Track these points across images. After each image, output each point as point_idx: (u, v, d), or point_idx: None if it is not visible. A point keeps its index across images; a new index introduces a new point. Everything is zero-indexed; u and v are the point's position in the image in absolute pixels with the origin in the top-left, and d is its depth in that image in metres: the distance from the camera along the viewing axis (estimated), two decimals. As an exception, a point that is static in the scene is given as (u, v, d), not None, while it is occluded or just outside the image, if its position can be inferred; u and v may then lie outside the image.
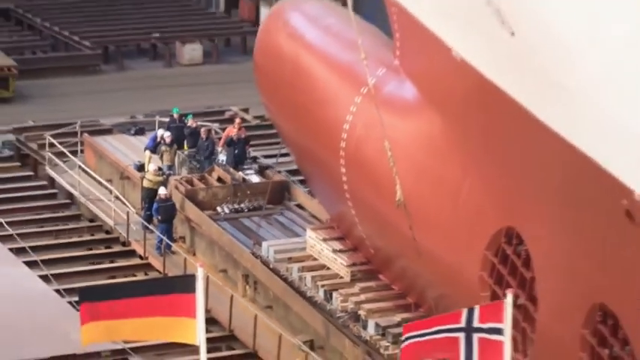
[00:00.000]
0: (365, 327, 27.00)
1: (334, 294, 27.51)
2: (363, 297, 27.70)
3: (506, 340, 19.95)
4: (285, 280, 32.88)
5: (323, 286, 28.58)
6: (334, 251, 28.91)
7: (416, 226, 25.16)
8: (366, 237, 28.22)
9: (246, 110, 43.86)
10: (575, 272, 21.46)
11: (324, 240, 29.44)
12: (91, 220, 37.24)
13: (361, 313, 26.64)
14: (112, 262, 35.08)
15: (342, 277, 28.65)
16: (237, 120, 40.84)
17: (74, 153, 40.37)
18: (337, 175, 27.80)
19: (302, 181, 38.71)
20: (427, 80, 25.72)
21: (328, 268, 28.98)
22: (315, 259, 29.41)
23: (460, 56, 23.28)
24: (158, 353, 28.59)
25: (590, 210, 20.30)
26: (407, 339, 20.98)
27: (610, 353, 20.36)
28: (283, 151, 40.51)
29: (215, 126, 40.18)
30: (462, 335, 20.63)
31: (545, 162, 21.39)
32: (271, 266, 30.84)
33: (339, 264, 28.51)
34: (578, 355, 20.91)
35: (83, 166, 39.60)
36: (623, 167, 18.81)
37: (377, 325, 26.40)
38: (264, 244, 31.23)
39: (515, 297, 21.84)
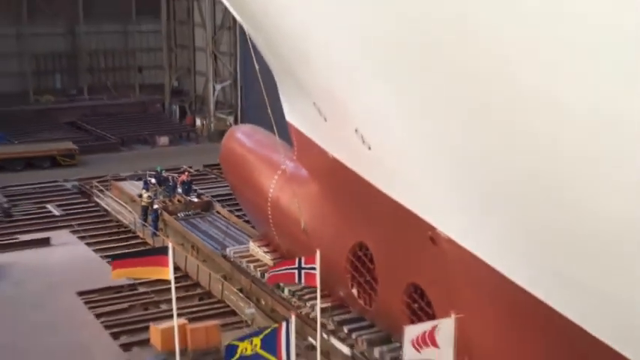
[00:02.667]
0: (283, 291, 26.68)
1: (265, 274, 26.09)
2: (281, 275, 27.11)
3: (317, 272, 20.26)
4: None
5: (259, 270, 28.13)
6: (264, 252, 28.93)
7: (312, 239, 24.29)
8: (281, 244, 27.78)
9: (190, 167, 43.71)
10: (399, 265, 21.24)
11: (259, 246, 29.48)
12: (117, 222, 37.10)
13: (281, 284, 26.28)
14: (127, 241, 34.71)
15: (269, 265, 27.76)
16: (186, 172, 41.32)
17: (108, 190, 40.01)
18: (266, 212, 27.59)
19: (219, 201, 38.39)
20: (312, 166, 25.33)
21: (261, 260, 28.75)
22: (253, 256, 29.23)
23: (332, 155, 23.04)
24: (151, 284, 27.95)
25: (409, 234, 19.94)
26: (271, 272, 22.10)
27: (420, 307, 20.46)
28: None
29: (175, 175, 40.03)
30: (296, 271, 20.79)
31: (381, 208, 21.00)
32: (232, 260, 30.04)
33: (267, 258, 28.53)
34: (401, 308, 20.90)
35: (112, 196, 39.67)
36: (429, 214, 18.79)
37: (290, 290, 26.33)
38: (228, 249, 30.81)
39: (362, 276, 23.47)
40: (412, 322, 20.03)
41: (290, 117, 26.60)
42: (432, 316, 19.56)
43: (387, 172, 20.18)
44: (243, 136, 31.19)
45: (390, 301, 21.30)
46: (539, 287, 15.58)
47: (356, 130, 19.68)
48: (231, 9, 25.38)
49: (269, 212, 27.50)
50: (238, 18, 25.01)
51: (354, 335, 23.76)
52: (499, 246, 16.45)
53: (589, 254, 13.41)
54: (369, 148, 19.68)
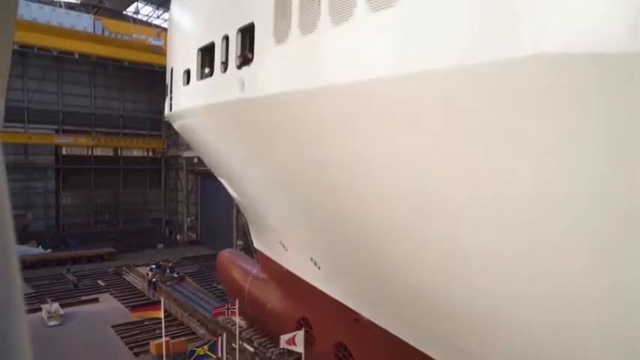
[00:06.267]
0: (220, 320, 23.96)
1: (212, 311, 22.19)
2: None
3: (236, 310, 19.58)
4: (183, 303, 29.69)
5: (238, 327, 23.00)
6: (240, 319, 23.80)
7: (269, 313, 21.33)
8: (252, 316, 22.90)
9: (173, 259, 40.30)
10: (328, 330, 16.70)
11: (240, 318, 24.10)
12: (135, 289, 34.04)
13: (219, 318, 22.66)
14: (139, 298, 31.79)
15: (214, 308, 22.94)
16: (172, 261, 38.58)
17: (130, 271, 37.06)
18: (244, 296, 23.30)
19: (189, 276, 35.72)
20: (271, 273, 21.53)
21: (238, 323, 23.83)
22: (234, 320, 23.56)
23: (286, 268, 19.68)
24: (151, 320, 25.30)
25: (337, 313, 15.55)
26: (213, 311, 20.26)
27: (343, 355, 15.70)
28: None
29: (166, 262, 37.75)
30: (226, 310, 20.27)
31: (319, 297, 16.56)
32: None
33: (242, 322, 24.21)
34: (332, 351, 16.30)
35: (133, 275, 36.68)
36: (352, 304, 14.68)
37: (222, 320, 23.57)
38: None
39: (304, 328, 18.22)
40: None
41: (257, 245, 23.44)
42: (352, 361, 15.81)
43: (328, 280, 16.04)
44: (229, 255, 27.41)
45: (323, 352, 17.10)
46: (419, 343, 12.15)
47: (311, 259, 16.29)
48: (225, 184, 21.07)
49: (246, 298, 23.79)
50: (231, 191, 20.07)
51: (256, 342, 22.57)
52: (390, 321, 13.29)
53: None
54: (319, 269, 16.03)
